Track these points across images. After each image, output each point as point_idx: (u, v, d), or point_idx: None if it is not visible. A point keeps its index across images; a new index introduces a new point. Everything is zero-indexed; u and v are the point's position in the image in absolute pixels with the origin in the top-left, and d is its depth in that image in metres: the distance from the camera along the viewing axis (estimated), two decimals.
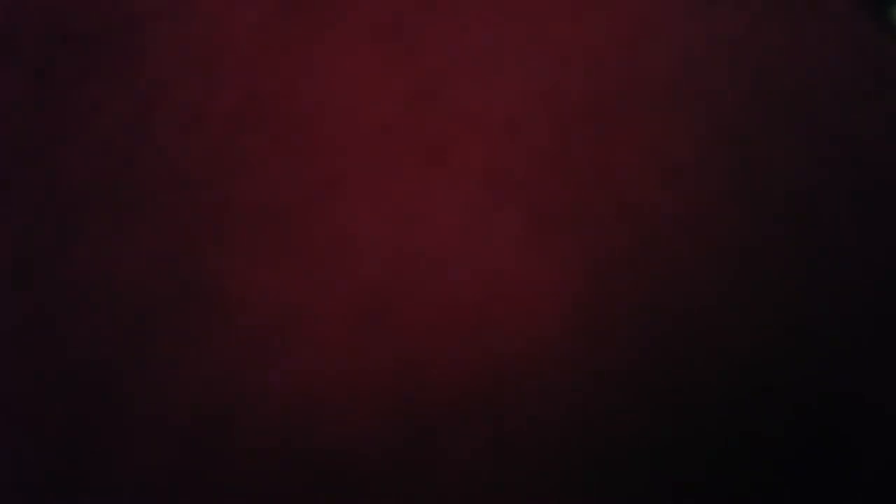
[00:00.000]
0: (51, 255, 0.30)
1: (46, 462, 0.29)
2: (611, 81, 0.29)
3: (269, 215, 0.29)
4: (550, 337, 0.28)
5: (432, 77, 0.29)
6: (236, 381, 0.28)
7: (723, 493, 0.29)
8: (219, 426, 0.28)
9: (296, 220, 0.29)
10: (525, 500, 0.28)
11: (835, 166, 0.30)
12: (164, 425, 0.28)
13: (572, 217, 0.28)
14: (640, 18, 0.30)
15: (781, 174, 0.30)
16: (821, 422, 0.29)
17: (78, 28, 0.31)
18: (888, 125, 0.32)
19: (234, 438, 0.28)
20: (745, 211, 0.29)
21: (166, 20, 0.30)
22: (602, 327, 0.28)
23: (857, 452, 0.29)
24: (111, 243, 0.29)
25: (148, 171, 0.29)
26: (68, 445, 0.29)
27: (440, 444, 0.28)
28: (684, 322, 0.28)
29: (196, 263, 0.29)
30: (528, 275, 0.28)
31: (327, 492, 0.28)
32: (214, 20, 0.30)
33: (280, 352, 0.28)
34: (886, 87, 0.32)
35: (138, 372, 0.29)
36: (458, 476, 0.28)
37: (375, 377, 0.28)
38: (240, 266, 0.28)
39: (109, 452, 0.28)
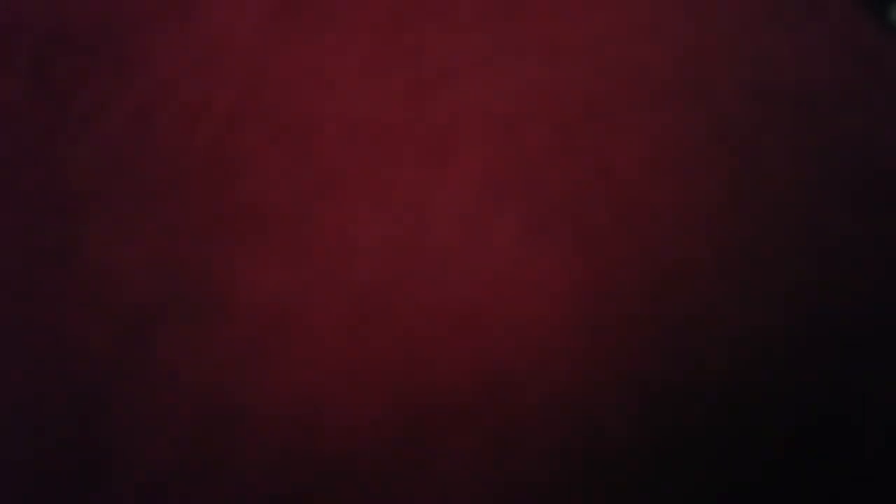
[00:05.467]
0: (51, 255, 0.29)
1: (47, 462, 0.29)
2: (610, 81, 0.29)
3: (270, 214, 0.29)
4: (550, 334, 0.28)
5: (432, 77, 0.29)
6: (236, 380, 0.28)
7: (725, 484, 0.29)
8: (219, 425, 0.28)
9: (296, 219, 0.29)
10: (526, 494, 0.28)
11: (835, 165, 0.30)
12: (166, 424, 0.28)
13: (572, 216, 0.28)
14: (640, 19, 0.30)
15: (781, 173, 0.30)
16: (822, 418, 0.29)
17: (78, 28, 0.31)
18: (888, 125, 0.31)
19: (234, 437, 0.28)
20: (745, 209, 0.29)
21: (166, 21, 0.30)
22: (602, 325, 0.28)
23: (860, 448, 0.29)
24: (112, 243, 0.29)
25: (148, 171, 0.29)
26: (69, 445, 0.29)
27: (441, 441, 0.28)
28: (684, 319, 0.28)
29: (196, 263, 0.29)
30: (527, 273, 0.28)
31: (327, 490, 0.28)
32: (214, 21, 0.30)
33: (280, 351, 0.28)
34: (886, 87, 0.32)
35: (139, 372, 0.29)
36: (459, 472, 0.28)
37: (376, 375, 0.28)
38: (240, 265, 0.28)
39: (110, 452, 0.28)
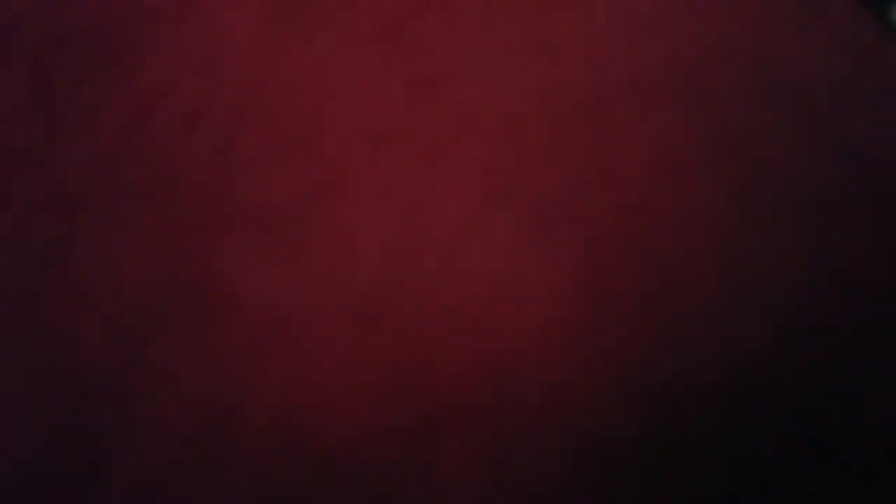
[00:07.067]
0: (51, 256, 0.30)
1: (47, 462, 0.29)
2: (610, 81, 0.29)
3: (269, 215, 0.29)
4: (550, 334, 0.28)
5: (431, 77, 0.29)
6: (237, 381, 0.28)
7: (726, 485, 0.29)
8: (220, 426, 0.28)
9: (296, 219, 0.29)
10: (526, 494, 0.28)
11: (835, 166, 0.30)
12: (166, 425, 0.28)
13: (572, 216, 0.28)
14: (640, 18, 0.30)
15: (781, 173, 0.30)
16: (824, 419, 0.29)
17: (78, 28, 0.31)
18: (888, 125, 0.32)
19: (234, 439, 0.28)
20: (746, 210, 0.29)
21: (166, 20, 0.30)
22: (602, 325, 0.28)
23: (861, 449, 0.29)
24: (111, 243, 0.29)
25: (148, 172, 0.29)
26: (67, 445, 0.29)
27: (442, 442, 0.28)
28: (685, 320, 0.29)
29: (196, 263, 0.29)
30: (528, 273, 0.28)
31: (328, 491, 0.28)
32: (214, 21, 0.30)
33: (280, 351, 0.28)
34: (886, 87, 0.32)
35: (139, 372, 0.29)
36: (460, 473, 0.28)
37: (376, 376, 0.28)
38: (240, 266, 0.28)
39: (110, 453, 0.28)
